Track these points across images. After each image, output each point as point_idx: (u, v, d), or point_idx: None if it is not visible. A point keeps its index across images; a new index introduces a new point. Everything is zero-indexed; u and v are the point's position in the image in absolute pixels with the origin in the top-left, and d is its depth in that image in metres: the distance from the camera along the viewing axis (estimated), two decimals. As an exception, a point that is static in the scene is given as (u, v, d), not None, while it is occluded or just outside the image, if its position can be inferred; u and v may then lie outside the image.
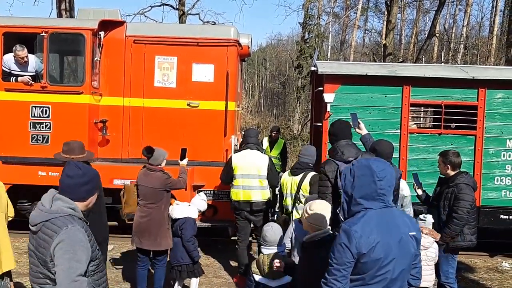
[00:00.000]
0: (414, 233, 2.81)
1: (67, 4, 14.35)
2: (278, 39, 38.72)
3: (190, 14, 21.17)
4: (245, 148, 6.53)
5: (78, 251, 2.61)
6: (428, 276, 5.42)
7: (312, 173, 5.74)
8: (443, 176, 5.23)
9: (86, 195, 2.80)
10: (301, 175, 5.78)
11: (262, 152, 6.65)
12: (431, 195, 5.49)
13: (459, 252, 5.26)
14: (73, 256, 2.60)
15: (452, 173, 5.08)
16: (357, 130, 5.37)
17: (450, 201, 4.95)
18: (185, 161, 6.28)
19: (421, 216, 5.54)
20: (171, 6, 21.05)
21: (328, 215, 3.75)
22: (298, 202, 5.76)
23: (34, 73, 7.47)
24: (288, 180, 5.94)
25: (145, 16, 20.81)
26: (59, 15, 14.19)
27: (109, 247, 7.76)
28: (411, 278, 2.94)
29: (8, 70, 7.36)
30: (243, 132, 8.57)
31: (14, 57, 7.27)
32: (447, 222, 4.93)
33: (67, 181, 2.75)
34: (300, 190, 5.72)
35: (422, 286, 5.48)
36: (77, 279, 2.60)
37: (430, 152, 7.52)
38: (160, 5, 21.16)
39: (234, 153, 7.01)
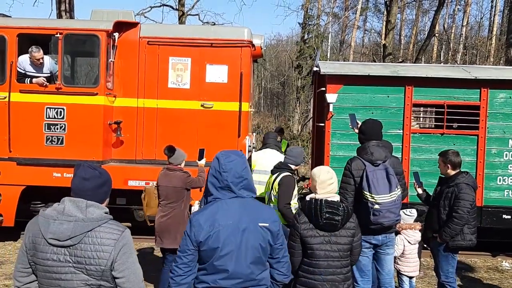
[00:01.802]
0: (266, 224, 2.79)
1: (67, 5, 14.30)
2: (278, 39, 38.78)
3: (189, 14, 21.13)
4: (265, 148, 6.74)
5: (135, 252, 2.62)
6: (417, 267, 5.58)
7: (284, 174, 5.56)
8: (444, 176, 5.25)
9: (104, 196, 2.67)
10: (276, 175, 5.70)
11: (280, 153, 6.79)
12: (431, 194, 5.51)
13: (459, 252, 5.27)
14: (136, 258, 2.60)
15: (452, 172, 5.10)
16: (355, 130, 5.36)
17: (451, 200, 4.96)
18: (203, 161, 6.34)
19: (407, 212, 5.63)
20: (170, 6, 21.02)
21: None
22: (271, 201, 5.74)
23: (49, 74, 7.48)
24: (269, 179, 5.94)
25: (145, 17, 20.74)
26: (59, 16, 14.15)
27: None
28: (277, 273, 2.90)
29: (23, 71, 7.36)
30: (254, 134, 8.68)
31: (30, 58, 7.27)
32: (447, 222, 4.94)
33: (84, 184, 2.58)
34: (272, 190, 5.65)
35: (412, 275, 5.62)
36: (143, 279, 2.63)
37: (433, 152, 7.54)
38: (160, 6, 21.14)
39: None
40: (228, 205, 2.79)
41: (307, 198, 3.78)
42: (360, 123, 5.18)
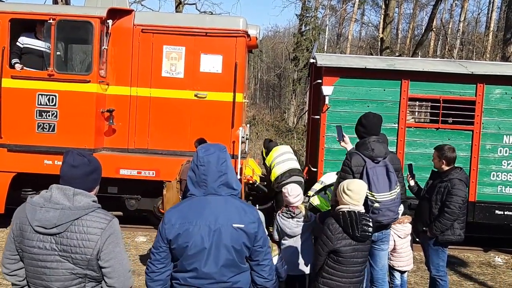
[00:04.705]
0: (241, 225, 2.64)
1: (63, -9, 14.15)
2: (275, 31, 38.66)
3: (187, 3, 20.95)
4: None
5: (122, 241, 2.59)
6: (411, 259, 5.58)
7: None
8: (437, 170, 5.23)
9: (93, 184, 2.62)
10: None
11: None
12: (423, 187, 5.49)
13: (449, 246, 5.30)
14: (122, 248, 2.56)
15: (446, 168, 5.09)
16: (342, 144, 5.18)
17: (443, 195, 4.95)
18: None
19: None
20: (168, -5, 20.87)
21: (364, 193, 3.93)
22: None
23: (45, 50, 7.40)
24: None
25: (142, 5, 20.59)
26: (55, 2, 14.00)
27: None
28: (257, 276, 2.77)
29: (21, 46, 7.34)
30: (248, 125, 8.66)
31: (36, 29, 7.34)
32: (439, 216, 4.94)
33: (73, 171, 2.54)
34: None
35: (406, 269, 5.61)
36: (130, 269, 2.60)
37: (427, 147, 7.58)
38: (157, -6, 21.00)
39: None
40: (202, 202, 2.65)
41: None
42: (346, 136, 5.10)
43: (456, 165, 5.19)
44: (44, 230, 2.45)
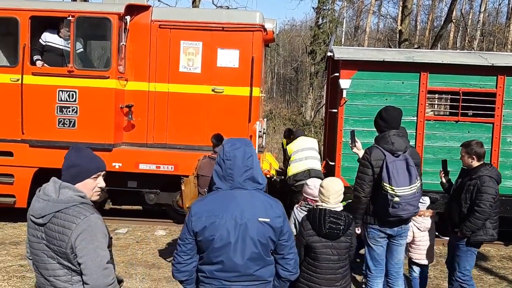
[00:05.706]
0: (267, 219, 2.68)
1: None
2: (292, 24, 38.43)
3: (203, -2, 20.96)
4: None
5: (101, 238, 2.57)
6: (431, 253, 5.51)
7: None
8: (466, 167, 5.02)
9: (71, 179, 2.62)
10: None
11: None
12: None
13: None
14: (98, 245, 2.55)
15: (476, 164, 4.86)
16: (353, 149, 5.06)
17: (472, 194, 4.74)
18: None
19: (420, 199, 5.48)
20: (184, -10, 20.89)
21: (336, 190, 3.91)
22: None
23: (66, 48, 7.52)
24: None
25: (159, 1, 20.69)
26: (74, -1, 14.14)
27: (126, 230, 7.86)
28: (281, 269, 2.81)
29: (43, 43, 7.50)
30: (265, 119, 8.66)
31: (60, 29, 7.46)
32: (469, 216, 4.74)
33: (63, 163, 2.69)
34: None
35: (423, 263, 5.53)
36: (107, 266, 2.57)
37: (447, 140, 7.52)
38: (174, -11, 21.06)
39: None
40: (228, 196, 2.69)
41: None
42: (358, 141, 5.04)
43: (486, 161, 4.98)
44: (34, 219, 2.60)
